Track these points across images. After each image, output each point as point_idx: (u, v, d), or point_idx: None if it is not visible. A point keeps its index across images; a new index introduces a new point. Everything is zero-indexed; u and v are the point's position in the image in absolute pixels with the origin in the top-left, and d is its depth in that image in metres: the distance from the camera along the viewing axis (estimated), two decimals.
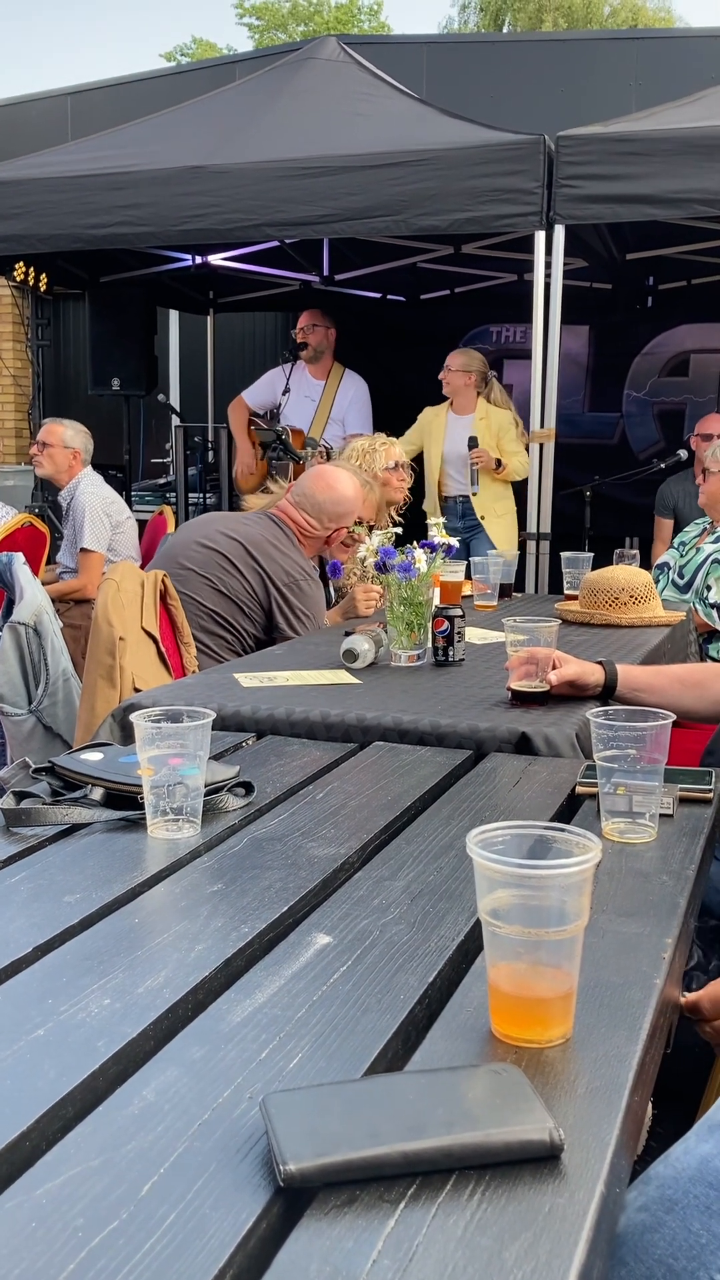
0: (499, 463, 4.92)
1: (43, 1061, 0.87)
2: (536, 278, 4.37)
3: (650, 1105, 1.87)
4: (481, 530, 5.05)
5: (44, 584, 3.58)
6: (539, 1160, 0.75)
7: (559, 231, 4.25)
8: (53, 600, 3.84)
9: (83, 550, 4.33)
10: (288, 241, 5.69)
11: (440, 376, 5.13)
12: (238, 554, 2.82)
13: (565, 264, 4.35)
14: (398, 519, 3.62)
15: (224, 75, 6.65)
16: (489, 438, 5.01)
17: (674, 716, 1.40)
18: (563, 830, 0.95)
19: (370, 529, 3.52)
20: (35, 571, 3.36)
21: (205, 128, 4.95)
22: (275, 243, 5.68)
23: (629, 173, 4.08)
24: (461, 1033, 0.93)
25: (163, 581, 2.51)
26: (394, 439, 3.63)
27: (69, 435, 4.55)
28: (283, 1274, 0.65)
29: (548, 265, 4.31)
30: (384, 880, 1.25)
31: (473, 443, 4.92)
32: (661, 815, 1.41)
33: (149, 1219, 0.69)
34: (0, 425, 8.30)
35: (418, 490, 5.17)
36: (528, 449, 4.58)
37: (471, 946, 1.08)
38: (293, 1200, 0.71)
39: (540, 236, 4.28)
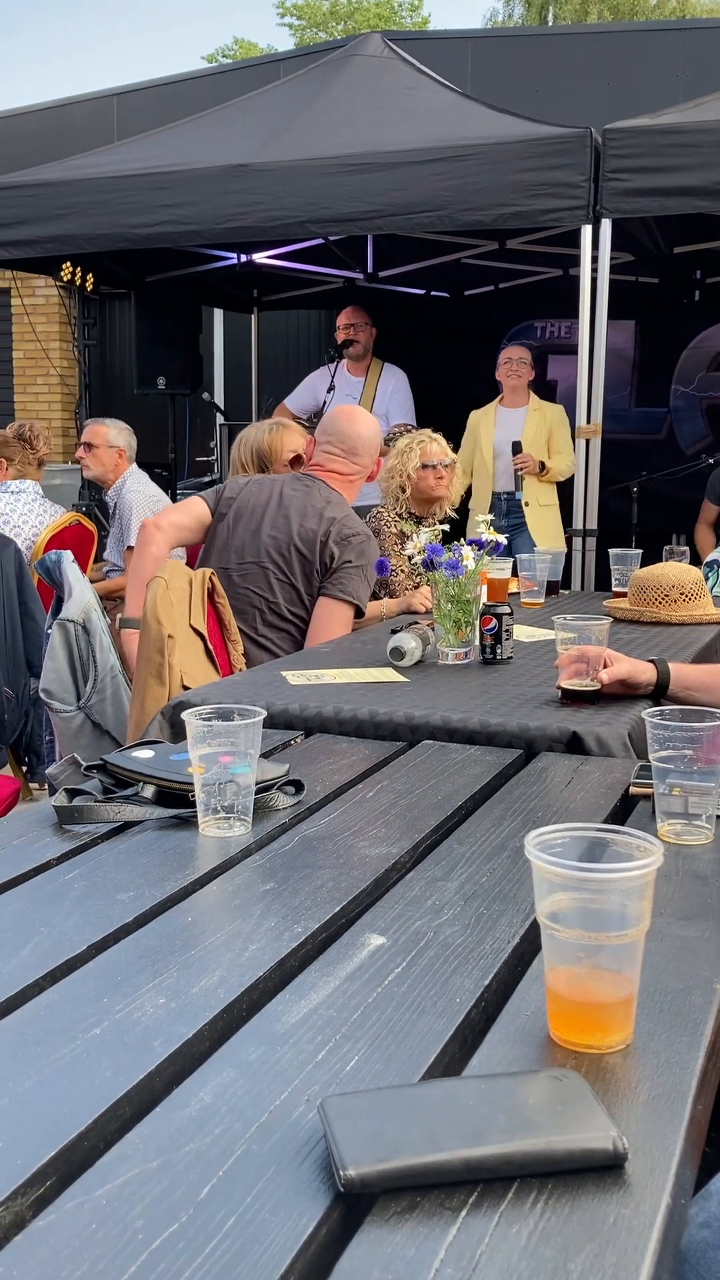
0: (543, 466, 4.90)
1: (100, 1061, 0.87)
2: (583, 273, 4.33)
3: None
4: (524, 528, 5.03)
5: (91, 582, 3.61)
6: (602, 1169, 0.74)
7: (605, 225, 4.20)
8: (100, 598, 3.87)
9: (129, 548, 4.35)
10: (331, 239, 5.68)
11: (504, 372, 5.10)
12: (296, 532, 2.80)
13: (612, 258, 4.31)
14: (449, 516, 3.61)
15: (269, 74, 6.66)
16: (543, 430, 4.99)
17: None
18: (622, 833, 0.94)
19: (418, 520, 3.51)
20: (83, 569, 3.39)
21: (249, 126, 4.96)
22: (319, 240, 5.68)
23: (677, 164, 4.03)
24: (519, 1037, 0.91)
25: (210, 579, 2.51)
26: (437, 436, 3.61)
27: (113, 434, 4.57)
28: None
29: (594, 260, 4.27)
30: (437, 881, 1.24)
31: (516, 448, 4.91)
32: (718, 817, 1.38)
33: (209, 1222, 0.68)
34: (48, 425, 8.38)
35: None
36: (574, 444, 4.54)
37: (527, 949, 1.07)
38: (352, 1206, 0.71)
39: (587, 231, 4.24)
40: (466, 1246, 0.67)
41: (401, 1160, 0.72)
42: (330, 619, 2.80)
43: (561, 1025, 0.90)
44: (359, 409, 3.14)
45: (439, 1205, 0.70)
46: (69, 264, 5.55)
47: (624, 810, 1.52)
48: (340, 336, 5.48)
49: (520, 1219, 0.69)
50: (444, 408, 5.23)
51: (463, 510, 4.27)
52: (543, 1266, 0.65)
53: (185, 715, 1.39)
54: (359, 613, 2.87)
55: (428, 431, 3.63)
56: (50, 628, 2.53)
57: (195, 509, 2.92)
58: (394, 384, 5.52)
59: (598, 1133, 0.74)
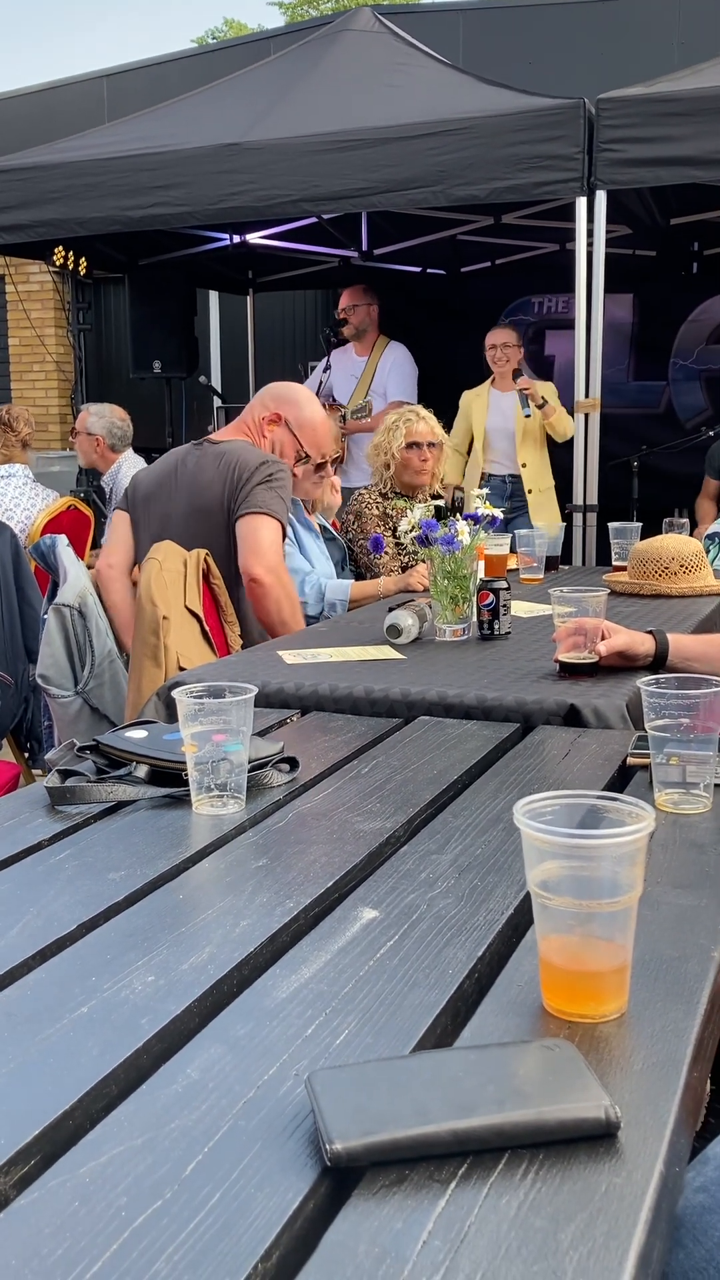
0: (545, 401, 4.85)
1: (86, 1039, 0.86)
2: (578, 246, 4.29)
3: (709, 1081, 1.84)
4: (525, 512, 5.01)
5: (90, 568, 3.59)
6: (595, 1139, 0.72)
7: (600, 197, 4.16)
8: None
9: None
10: (325, 217, 5.64)
11: (493, 357, 5.06)
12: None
13: (608, 231, 4.27)
14: (438, 494, 3.58)
15: (259, 51, 6.60)
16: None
17: None
18: (614, 799, 0.92)
19: (406, 498, 3.49)
20: (81, 555, 3.37)
21: (241, 105, 4.91)
22: (313, 219, 5.63)
23: (671, 134, 3.98)
24: (512, 1008, 0.90)
25: (205, 560, 2.49)
26: (426, 414, 3.57)
27: (91, 421, 4.56)
28: (330, 1255, 0.63)
29: (589, 233, 4.23)
30: (431, 854, 1.23)
31: (517, 372, 4.88)
32: (717, 785, 1.37)
33: (193, 1198, 0.67)
34: (45, 412, 8.35)
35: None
36: (572, 418, 4.51)
37: (521, 920, 1.06)
38: (340, 1180, 0.69)
39: (582, 203, 4.20)
40: (455, 1218, 0.66)
41: (389, 1133, 0.70)
42: (251, 531, 2.62)
43: (555, 995, 0.88)
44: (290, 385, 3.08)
45: (428, 1178, 0.69)
46: (61, 248, 5.52)
47: (622, 781, 1.51)
48: (339, 317, 5.46)
49: (510, 1190, 0.68)
50: (442, 385, 5.20)
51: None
52: (532, 1237, 0.64)
53: (176, 694, 1.38)
54: (280, 525, 2.70)
55: (417, 409, 3.59)
56: (46, 613, 2.52)
57: (120, 529, 2.87)
58: (393, 360, 5.47)
59: (589, 1102, 0.73)
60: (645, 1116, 0.75)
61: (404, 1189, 0.68)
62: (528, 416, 4.91)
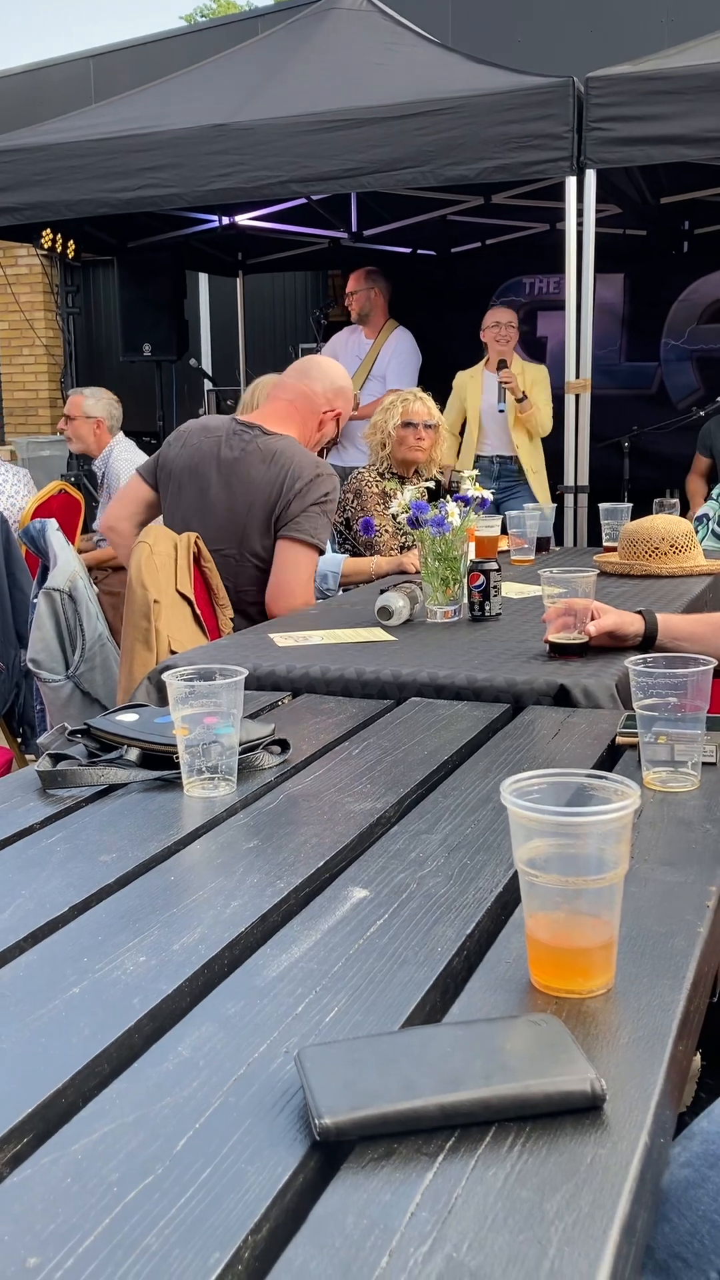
0: (525, 396, 4.86)
1: (78, 1019, 0.87)
2: (569, 225, 4.28)
3: (699, 1057, 1.86)
4: (516, 491, 5.01)
5: (81, 552, 3.59)
6: (580, 1111, 0.73)
7: (590, 176, 4.15)
8: (91, 568, 3.86)
9: None
10: (315, 198, 5.61)
11: (490, 336, 5.05)
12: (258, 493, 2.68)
13: (598, 210, 4.26)
14: (435, 477, 3.58)
15: (246, 31, 6.55)
16: (524, 388, 4.96)
17: (715, 662, 1.37)
18: (600, 777, 0.93)
19: (401, 480, 3.49)
20: (71, 539, 3.37)
21: (228, 85, 4.88)
22: (302, 200, 5.60)
23: (661, 113, 3.97)
24: (501, 984, 0.91)
25: (195, 543, 2.49)
26: (424, 395, 3.57)
27: (89, 404, 4.53)
28: (319, 1227, 0.64)
29: (580, 213, 4.22)
30: (421, 834, 1.24)
31: (502, 364, 4.88)
32: (704, 764, 1.38)
33: (184, 1174, 0.68)
34: (35, 396, 8.32)
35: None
36: (564, 400, 4.51)
37: (510, 898, 1.07)
38: (329, 1154, 0.70)
39: (571, 182, 4.18)
40: (442, 1190, 0.66)
41: (377, 1108, 0.71)
42: (292, 564, 2.64)
43: (542, 971, 0.89)
44: (318, 358, 3.03)
45: (416, 1151, 0.70)
46: (49, 231, 5.49)
47: (611, 760, 1.51)
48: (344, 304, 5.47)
49: (497, 1162, 0.69)
50: (434, 367, 5.19)
51: None
52: (518, 1207, 0.65)
53: (166, 677, 1.38)
54: (320, 553, 2.73)
55: (415, 390, 3.60)
56: (36, 597, 2.51)
57: (134, 492, 2.84)
58: (395, 346, 5.46)
59: (575, 1076, 0.74)
60: (631, 1089, 0.76)
61: (392, 1162, 0.69)
62: (501, 411, 4.92)
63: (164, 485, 2.79)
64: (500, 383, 4.91)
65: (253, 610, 2.69)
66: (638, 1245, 0.67)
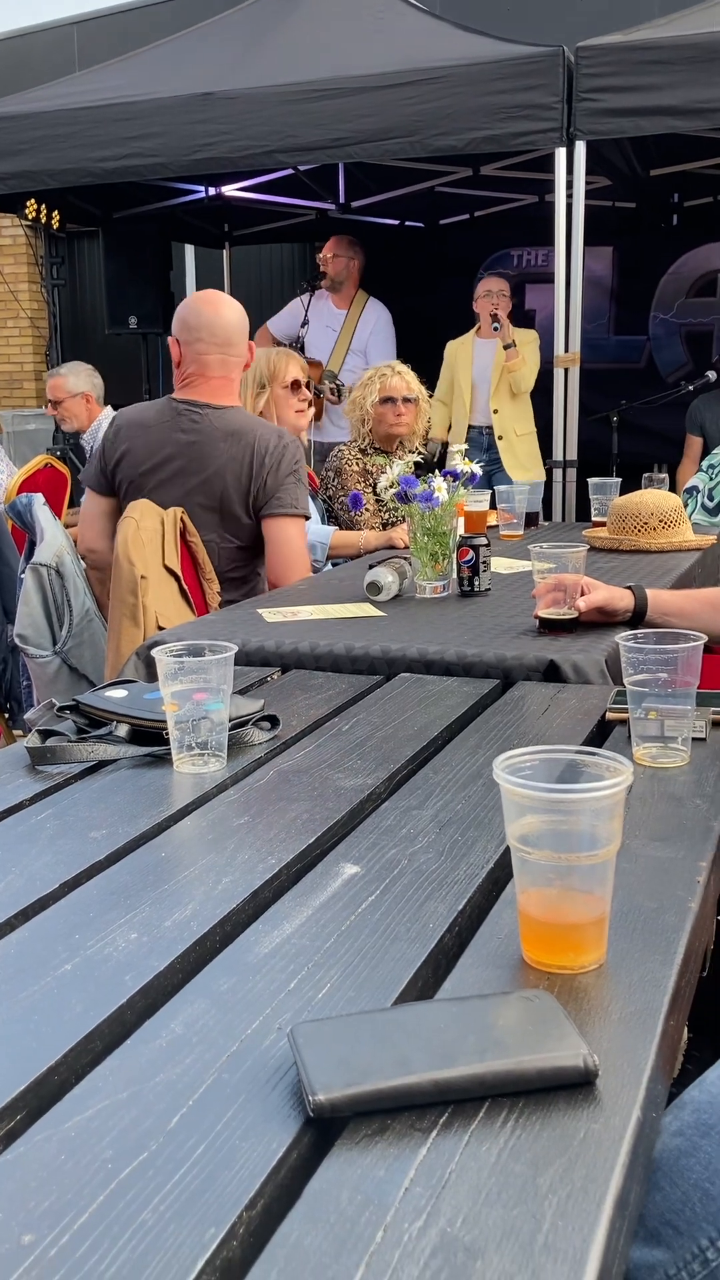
0: (514, 344, 4.83)
1: (70, 996, 0.86)
2: (558, 197, 4.25)
3: (686, 1029, 1.87)
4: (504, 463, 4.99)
5: (69, 526, 3.56)
6: (573, 1087, 0.74)
7: (580, 148, 4.12)
8: (76, 542, 3.83)
9: None
10: (302, 169, 5.56)
11: (483, 305, 5.01)
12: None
13: (587, 183, 4.23)
14: (419, 450, 3.57)
15: None
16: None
17: (705, 638, 1.37)
18: (592, 754, 0.93)
19: (384, 455, 3.47)
20: (58, 513, 3.34)
21: (214, 52, 4.82)
22: (289, 170, 5.55)
23: (651, 83, 3.94)
24: (492, 960, 0.91)
25: (181, 518, 2.48)
26: (403, 369, 3.54)
27: (71, 382, 4.48)
28: (314, 1203, 0.64)
29: (569, 184, 4.19)
30: (412, 809, 1.24)
31: (495, 319, 4.86)
32: (694, 739, 1.38)
33: (178, 1150, 0.68)
34: (20, 369, 8.25)
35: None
36: (552, 375, 4.49)
37: (501, 874, 1.07)
38: (323, 1130, 0.70)
39: (561, 154, 4.15)
40: (436, 1166, 0.67)
41: (371, 1084, 0.71)
42: (286, 540, 2.62)
43: (534, 947, 0.89)
44: (217, 294, 2.82)
45: (409, 1127, 0.70)
46: (33, 201, 5.42)
47: (601, 736, 1.52)
48: (319, 267, 5.40)
49: (490, 1138, 0.69)
50: (421, 339, 5.16)
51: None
52: (511, 1182, 0.65)
53: (155, 653, 1.38)
54: (305, 518, 2.71)
55: (394, 364, 3.57)
56: (23, 572, 2.50)
57: (94, 508, 2.70)
58: (375, 321, 5.42)
59: (568, 1051, 0.74)
60: (623, 1064, 0.77)
61: (386, 1138, 0.69)
62: (500, 438, 4.93)
63: (121, 489, 2.67)
64: (489, 313, 4.86)
65: (241, 586, 2.68)
66: (630, 1218, 0.68)
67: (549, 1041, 0.75)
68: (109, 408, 4.58)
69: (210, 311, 2.67)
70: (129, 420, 2.71)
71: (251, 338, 2.83)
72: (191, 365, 2.66)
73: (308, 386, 3.12)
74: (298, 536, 2.66)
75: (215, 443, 2.61)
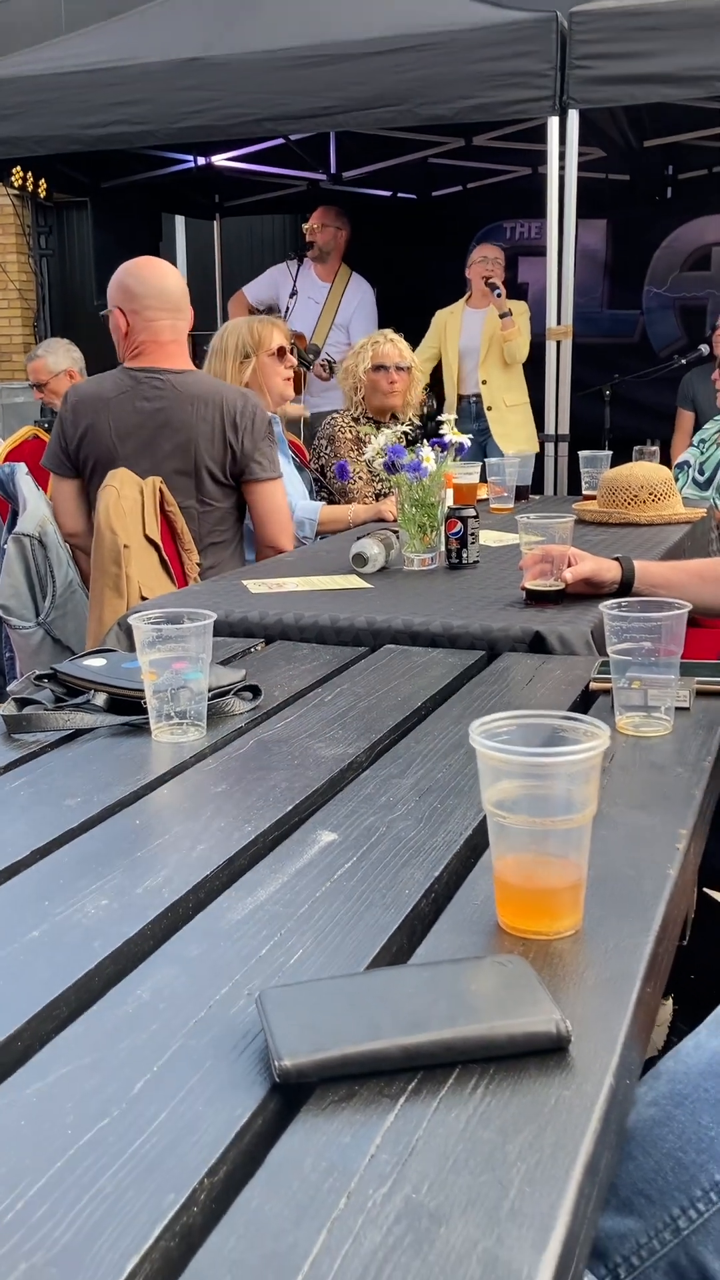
0: (509, 312, 4.80)
1: (36, 962, 0.85)
2: (550, 168, 4.21)
3: (670, 1001, 1.87)
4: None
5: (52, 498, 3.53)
6: (545, 1053, 0.72)
7: (573, 117, 4.07)
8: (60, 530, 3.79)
9: None
10: (292, 138, 5.50)
11: (477, 271, 4.96)
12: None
13: (580, 153, 4.19)
14: (411, 421, 3.54)
15: None
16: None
17: (690, 606, 1.35)
18: (569, 719, 0.91)
19: (376, 424, 3.44)
20: (43, 485, 3.31)
21: (204, 16, 4.74)
22: (280, 140, 5.49)
23: (646, 50, 3.89)
24: (468, 926, 0.90)
25: (160, 488, 2.45)
26: (395, 337, 3.51)
27: (52, 361, 4.44)
28: (277, 1170, 0.62)
29: (562, 155, 4.14)
30: (392, 778, 1.22)
31: (493, 287, 4.82)
32: (678, 709, 1.37)
33: (140, 1116, 0.67)
34: (9, 341, 8.18)
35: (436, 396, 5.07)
36: (544, 348, 4.46)
37: (479, 841, 1.05)
38: (289, 1096, 0.69)
39: (554, 123, 4.11)
40: (404, 1132, 0.65)
41: (338, 1049, 0.70)
42: (272, 503, 2.65)
43: (510, 913, 0.88)
44: (156, 260, 2.82)
45: (377, 1093, 0.69)
46: (20, 169, 5.35)
47: (584, 705, 1.50)
48: (306, 238, 5.35)
49: (459, 1104, 0.68)
50: (412, 311, 5.11)
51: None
52: (479, 1148, 0.64)
53: (133, 620, 1.36)
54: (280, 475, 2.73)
55: (386, 332, 3.53)
56: (5, 542, 2.47)
57: (65, 492, 2.65)
58: (359, 299, 5.37)
59: (541, 1017, 0.73)
60: (597, 1031, 0.75)
61: (353, 1104, 0.68)
62: (489, 409, 4.89)
63: (87, 467, 2.63)
64: (484, 279, 4.82)
65: (223, 551, 2.67)
66: (601, 1185, 0.67)
67: (521, 1007, 0.74)
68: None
69: (157, 278, 2.64)
70: (84, 396, 2.66)
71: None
72: (143, 334, 2.63)
73: (293, 353, 3.10)
74: (280, 495, 2.68)
75: (183, 407, 2.58)
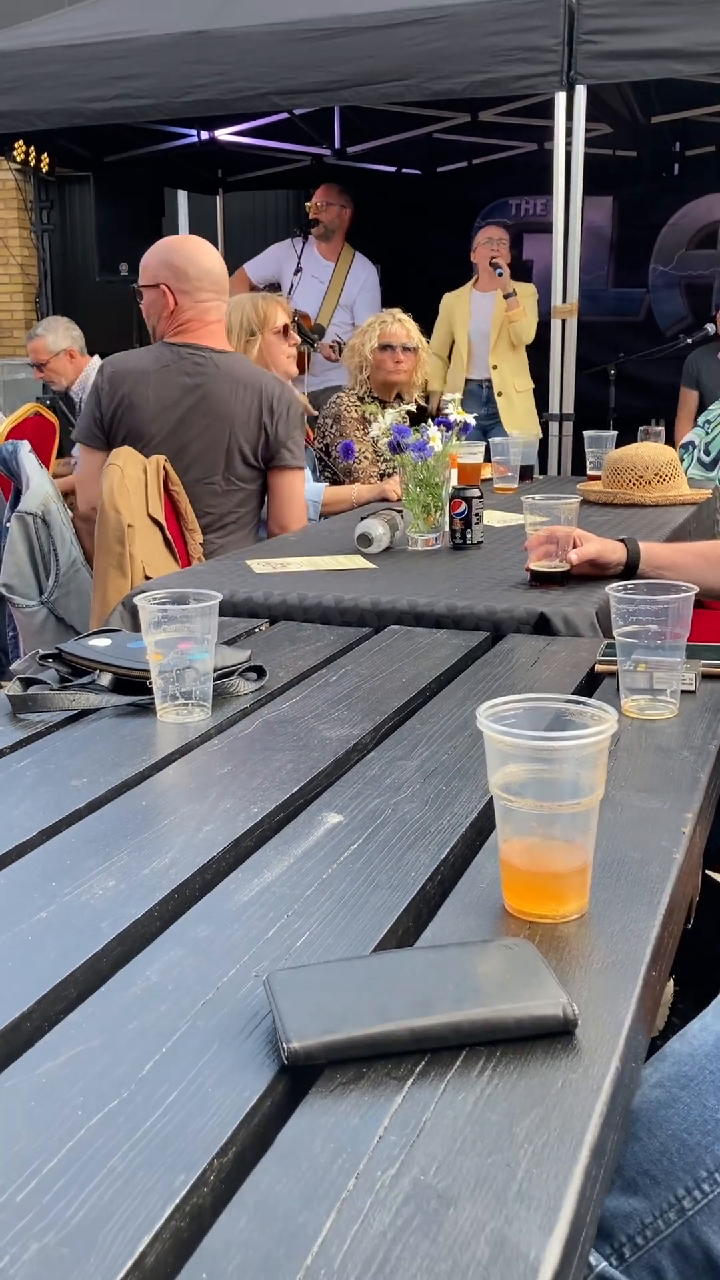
0: (514, 293, 4.78)
1: (45, 943, 0.85)
2: (557, 144, 4.16)
3: (672, 982, 1.88)
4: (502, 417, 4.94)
5: (56, 477, 3.52)
6: (552, 1036, 0.73)
7: (580, 93, 4.03)
8: (66, 494, 3.79)
9: None
10: (297, 112, 5.44)
11: (482, 254, 4.93)
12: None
13: (587, 129, 4.14)
14: (416, 402, 3.53)
15: None
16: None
17: (696, 589, 1.35)
18: (577, 702, 0.91)
19: (382, 404, 3.43)
20: (45, 463, 3.30)
21: None
22: (284, 115, 5.44)
23: (655, 25, 3.84)
24: (474, 909, 0.90)
25: (164, 467, 2.44)
26: (403, 317, 3.49)
27: (51, 340, 4.41)
28: (286, 1151, 0.63)
29: (569, 131, 4.10)
30: (397, 760, 1.23)
31: (495, 266, 4.80)
32: (683, 692, 1.37)
33: (149, 1097, 0.67)
34: (10, 317, 8.14)
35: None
36: (549, 326, 4.43)
37: (485, 824, 1.06)
38: (298, 1078, 0.70)
39: (561, 99, 4.06)
40: (411, 1114, 0.66)
41: (346, 1032, 0.70)
42: (292, 492, 2.73)
43: (516, 896, 0.88)
44: (201, 241, 2.84)
45: (385, 1075, 0.69)
46: (21, 143, 5.30)
47: (589, 688, 1.50)
48: (310, 214, 5.31)
49: (467, 1086, 0.68)
50: (416, 288, 5.08)
51: None
52: (487, 1130, 0.64)
53: (138, 600, 1.36)
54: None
55: (394, 311, 3.51)
56: (9, 521, 2.47)
57: (91, 464, 2.64)
58: (364, 279, 5.34)
59: (547, 1000, 0.73)
60: (603, 1014, 0.76)
61: (361, 1086, 0.68)
62: (499, 395, 4.87)
63: (119, 438, 2.63)
64: (490, 260, 4.80)
65: (238, 530, 2.68)
66: (607, 1167, 0.67)
67: (528, 990, 0.74)
68: (95, 357, 4.52)
69: (206, 259, 2.71)
70: (123, 369, 2.67)
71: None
72: (190, 311, 2.68)
73: (298, 331, 3.11)
74: (301, 486, 2.75)
75: (222, 386, 2.63)
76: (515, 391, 4.94)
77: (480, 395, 5.00)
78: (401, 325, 3.43)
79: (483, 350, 5.02)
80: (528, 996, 0.73)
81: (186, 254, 2.70)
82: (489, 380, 5.01)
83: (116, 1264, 0.55)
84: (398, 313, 3.50)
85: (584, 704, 0.91)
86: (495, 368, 4.94)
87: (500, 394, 4.94)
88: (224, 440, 2.62)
